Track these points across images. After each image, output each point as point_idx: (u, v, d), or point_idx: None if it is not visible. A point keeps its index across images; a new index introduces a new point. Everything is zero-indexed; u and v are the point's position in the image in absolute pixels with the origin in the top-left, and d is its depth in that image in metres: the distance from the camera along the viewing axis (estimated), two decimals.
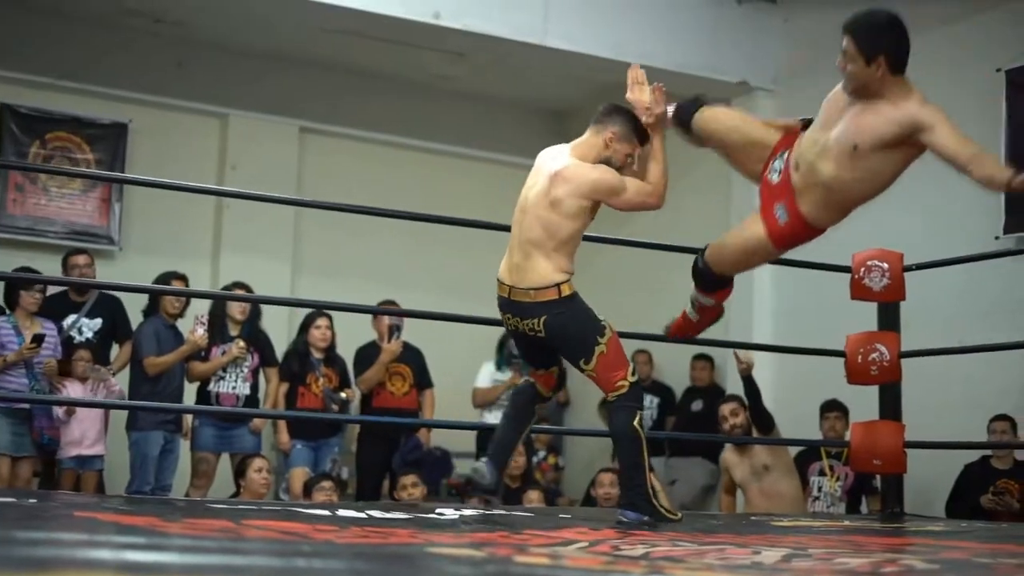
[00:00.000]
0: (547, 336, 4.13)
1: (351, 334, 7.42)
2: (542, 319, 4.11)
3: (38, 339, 6.16)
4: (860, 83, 3.77)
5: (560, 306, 4.10)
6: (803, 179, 3.96)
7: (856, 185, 3.93)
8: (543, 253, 4.12)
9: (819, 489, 6.83)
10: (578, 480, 8.37)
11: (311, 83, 9.08)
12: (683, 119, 4.18)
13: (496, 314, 4.35)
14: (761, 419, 6.71)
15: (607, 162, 4.19)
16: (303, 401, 7.05)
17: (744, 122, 4.24)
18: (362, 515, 3.95)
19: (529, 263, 4.14)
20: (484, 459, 4.39)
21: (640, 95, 4.26)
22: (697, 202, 8.70)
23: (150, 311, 6.83)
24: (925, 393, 6.12)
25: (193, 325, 6.63)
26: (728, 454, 6.88)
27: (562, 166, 4.15)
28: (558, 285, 4.10)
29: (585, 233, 4.35)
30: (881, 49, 3.70)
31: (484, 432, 7.80)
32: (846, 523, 4.71)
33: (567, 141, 10.86)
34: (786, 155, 4.04)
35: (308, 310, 7.28)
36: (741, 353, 6.72)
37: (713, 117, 4.18)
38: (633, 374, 4.13)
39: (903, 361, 5.39)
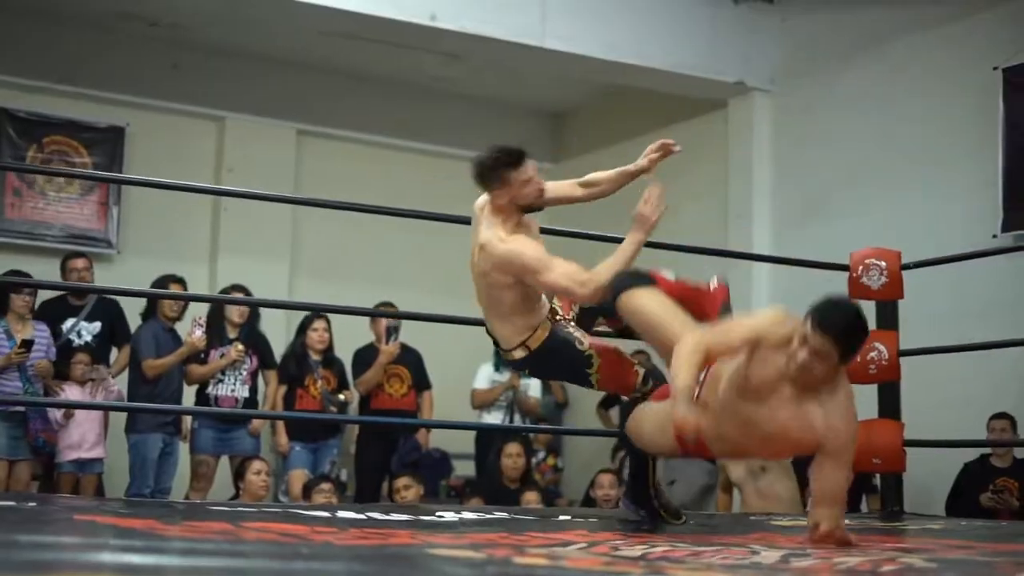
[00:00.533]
0: (540, 378, 4.15)
1: (349, 336, 7.42)
2: (526, 371, 4.16)
3: (26, 345, 6.15)
4: (823, 379, 3.46)
5: (535, 359, 4.03)
6: (713, 432, 3.64)
7: (761, 453, 3.80)
8: (499, 318, 4.03)
9: None
10: (577, 481, 8.36)
11: (308, 86, 9.08)
12: (610, 293, 3.88)
13: None
14: None
15: (527, 208, 3.98)
16: (301, 403, 7.05)
17: (664, 324, 3.82)
18: (361, 517, 3.95)
19: (491, 323, 4.08)
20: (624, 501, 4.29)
21: (649, 211, 3.93)
22: (694, 203, 8.70)
23: (148, 314, 6.84)
24: (924, 391, 6.12)
25: (191, 327, 6.63)
26: None
27: (484, 238, 3.95)
28: (524, 343, 4.00)
29: (585, 231, 4.33)
30: (858, 351, 3.54)
31: (482, 433, 7.81)
32: (845, 522, 4.71)
33: (564, 143, 10.80)
34: (703, 379, 3.70)
35: (306, 312, 7.28)
36: None
37: (637, 308, 3.88)
38: (644, 382, 4.08)
39: (901, 359, 5.39)
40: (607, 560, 2.80)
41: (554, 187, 4.17)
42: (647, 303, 3.87)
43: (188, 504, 5.23)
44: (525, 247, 3.87)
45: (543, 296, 4.03)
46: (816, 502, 3.50)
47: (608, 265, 3.87)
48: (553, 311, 4.08)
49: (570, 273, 3.84)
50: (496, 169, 3.92)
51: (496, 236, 3.91)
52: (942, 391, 6.61)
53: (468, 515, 4.29)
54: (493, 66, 8.59)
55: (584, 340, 4.04)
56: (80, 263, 6.85)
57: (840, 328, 3.38)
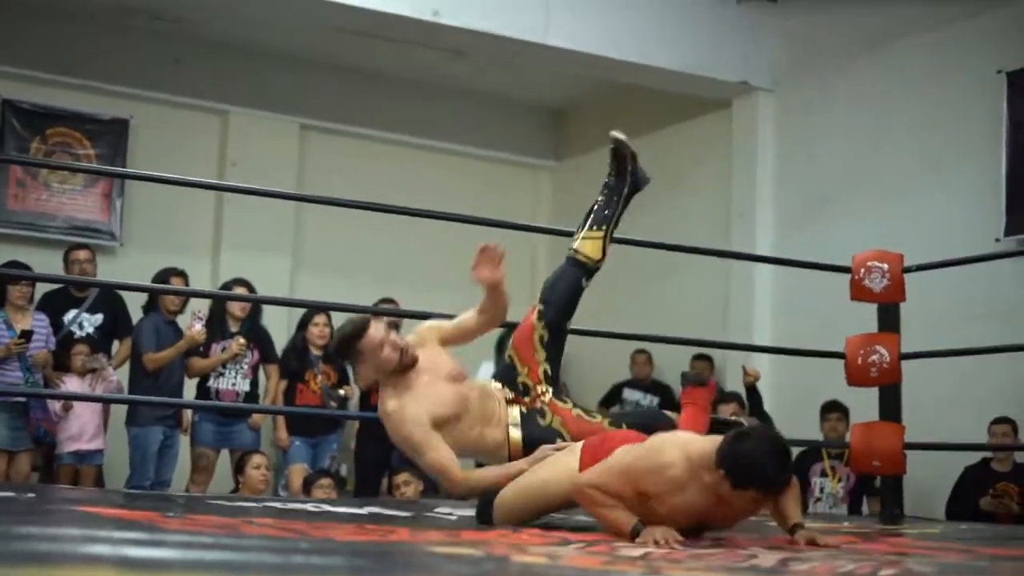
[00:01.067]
0: None
1: None
2: None
3: (26, 335, 6.16)
4: None
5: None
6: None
7: None
8: None
9: (821, 490, 6.83)
10: None
11: (312, 80, 9.09)
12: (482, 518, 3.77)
13: None
14: (761, 423, 6.72)
15: (404, 369, 3.86)
16: (301, 398, 7.06)
17: (538, 494, 3.67)
18: (361, 512, 3.95)
19: None
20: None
21: (488, 273, 3.92)
22: (697, 203, 8.71)
23: (150, 307, 6.84)
24: (925, 394, 6.13)
25: (190, 320, 6.63)
26: None
27: (379, 408, 3.95)
28: (510, 459, 3.90)
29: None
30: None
31: None
32: (845, 525, 4.71)
33: (567, 140, 10.78)
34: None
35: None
36: (748, 366, 6.72)
37: (509, 506, 3.70)
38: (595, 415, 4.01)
39: (903, 362, 5.38)
40: (607, 560, 2.80)
41: (455, 326, 4.10)
42: (507, 497, 3.71)
43: (188, 497, 5.23)
44: (407, 422, 3.79)
45: (481, 406, 3.89)
46: (789, 518, 3.45)
47: (482, 476, 3.82)
48: (524, 388, 3.95)
49: (444, 463, 3.77)
50: (344, 351, 3.92)
51: (387, 406, 3.84)
52: (943, 394, 6.61)
53: (468, 512, 4.29)
54: (496, 63, 8.59)
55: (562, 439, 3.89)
56: (82, 254, 6.86)
57: (781, 483, 3.24)
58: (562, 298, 4.06)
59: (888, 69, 7.59)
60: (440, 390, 3.85)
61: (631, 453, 3.42)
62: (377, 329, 3.84)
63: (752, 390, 6.74)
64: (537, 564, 2.64)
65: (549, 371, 3.99)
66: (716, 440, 3.30)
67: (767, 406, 6.92)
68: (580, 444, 3.68)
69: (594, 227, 4.09)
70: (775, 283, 8.06)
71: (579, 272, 4.07)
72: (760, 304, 8.12)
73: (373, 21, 7.41)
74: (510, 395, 3.97)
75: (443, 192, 9.10)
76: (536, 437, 3.87)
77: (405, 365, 3.83)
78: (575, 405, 4.00)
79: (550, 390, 3.96)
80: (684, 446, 3.33)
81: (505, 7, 7.50)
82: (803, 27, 8.16)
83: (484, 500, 3.78)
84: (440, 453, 3.77)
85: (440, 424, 3.79)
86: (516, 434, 3.89)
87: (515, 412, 3.93)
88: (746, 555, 2.99)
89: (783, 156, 8.26)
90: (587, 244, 4.07)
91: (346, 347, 3.89)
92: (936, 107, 7.31)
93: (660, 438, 3.45)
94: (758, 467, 3.15)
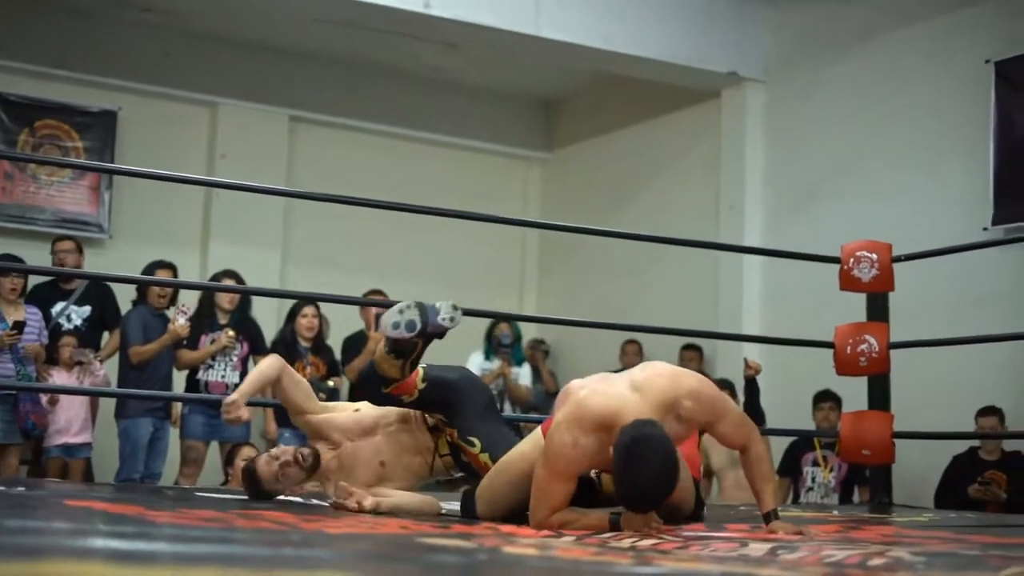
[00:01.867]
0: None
1: (339, 323, 7.42)
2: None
3: (18, 326, 6.14)
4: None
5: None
6: None
7: None
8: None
9: (813, 480, 6.84)
10: None
11: (301, 72, 9.07)
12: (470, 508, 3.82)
13: (482, 305, 4.32)
14: (754, 416, 6.71)
15: (313, 469, 4.04)
16: None
17: (507, 481, 3.75)
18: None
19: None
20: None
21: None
22: (686, 193, 8.71)
23: (139, 299, 6.83)
24: (914, 384, 6.14)
25: (174, 315, 6.61)
26: (708, 437, 6.87)
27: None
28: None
29: (575, 224, 4.29)
30: None
31: None
32: (834, 514, 4.73)
33: (558, 131, 10.80)
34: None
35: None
36: (750, 358, 6.71)
37: (490, 497, 3.78)
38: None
39: (892, 352, 5.40)
40: (597, 551, 2.81)
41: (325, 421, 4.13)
42: (487, 485, 3.80)
43: (178, 490, 5.23)
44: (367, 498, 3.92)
45: (400, 439, 4.06)
46: (764, 504, 3.51)
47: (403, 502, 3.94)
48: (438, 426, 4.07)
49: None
50: (259, 497, 3.99)
51: (330, 495, 4.04)
52: (932, 383, 6.63)
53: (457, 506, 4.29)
54: (487, 54, 8.57)
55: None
56: (65, 245, 6.85)
57: (641, 507, 3.32)
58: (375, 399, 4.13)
59: (877, 60, 7.60)
60: (359, 455, 4.03)
61: (539, 463, 3.48)
62: (263, 463, 3.98)
63: (751, 383, 6.74)
64: (528, 555, 2.64)
65: (443, 419, 4.06)
66: (606, 397, 3.41)
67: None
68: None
69: (392, 355, 3.91)
70: (764, 273, 8.07)
71: (379, 383, 3.98)
72: (749, 294, 8.14)
73: (363, 13, 7.40)
74: (431, 420, 4.07)
75: (434, 184, 9.10)
76: (462, 465, 4.04)
77: (313, 467, 3.99)
78: (482, 450, 4.00)
79: (455, 430, 4.02)
80: (575, 420, 3.41)
81: None
82: (793, 18, 8.16)
83: (466, 494, 3.84)
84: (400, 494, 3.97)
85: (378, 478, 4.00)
86: (449, 460, 4.04)
87: (442, 441, 4.06)
88: (736, 544, 3.00)
89: (772, 146, 8.27)
90: (385, 364, 3.93)
91: (258, 494, 4.01)
92: (925, 97, 7.32)
93: (550, 430, 3.51)
94: (632, 483, 3.22)
